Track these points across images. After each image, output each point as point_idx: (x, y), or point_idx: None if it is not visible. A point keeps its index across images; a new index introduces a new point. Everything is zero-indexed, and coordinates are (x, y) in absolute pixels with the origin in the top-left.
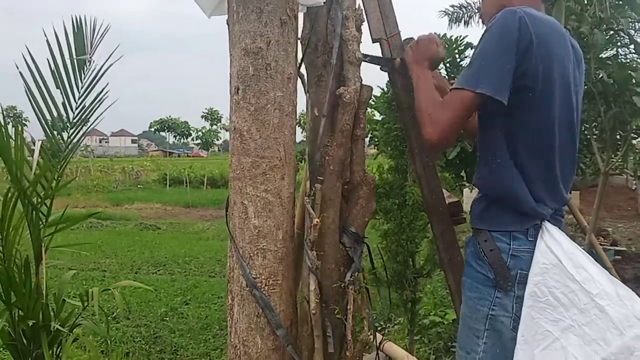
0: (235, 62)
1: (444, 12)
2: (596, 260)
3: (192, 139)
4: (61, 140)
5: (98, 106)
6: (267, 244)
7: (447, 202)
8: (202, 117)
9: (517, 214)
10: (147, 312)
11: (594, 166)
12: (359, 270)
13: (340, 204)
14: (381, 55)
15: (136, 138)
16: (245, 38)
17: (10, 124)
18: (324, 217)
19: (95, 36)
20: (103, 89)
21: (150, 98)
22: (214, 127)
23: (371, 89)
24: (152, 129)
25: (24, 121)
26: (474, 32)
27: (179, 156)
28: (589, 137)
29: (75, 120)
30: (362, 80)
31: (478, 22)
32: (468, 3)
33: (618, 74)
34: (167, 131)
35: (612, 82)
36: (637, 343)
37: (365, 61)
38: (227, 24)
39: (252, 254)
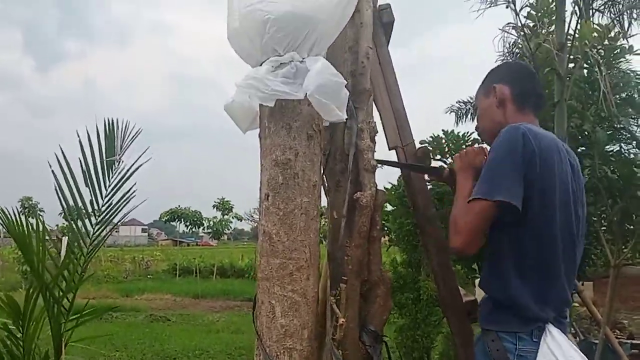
0: (265, 171)
1: (450, 109)
2: (612, 355)
3: (203, 229)
4: (86, 236)
5: (125, 204)
6: (293, 343)
7: (464, 300)
8: (213, 206)
9: (521, 318)
10: None
11: (605, 258)
12: None
13: (359, 302)
14: (397, 161)
15: (146, 227)
16: (275, 150)
17: (28, 216)
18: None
19: (125, 138)
20: (131, 188)
21: (161, 187)
22: (225, 216)
23: (385, 193)
24: (163, 219)
25: (39, 211)
26: None
27: (188, 245)
28: (597, 229)
29: (101, 218)
30: (376, 186)
31: None
32: (471, 98)
33: (622, 169)
34: (178, 221)
35: (616, 177)
36: None
37: (414, 170)
38: (259, 137)
39: (278, 353)
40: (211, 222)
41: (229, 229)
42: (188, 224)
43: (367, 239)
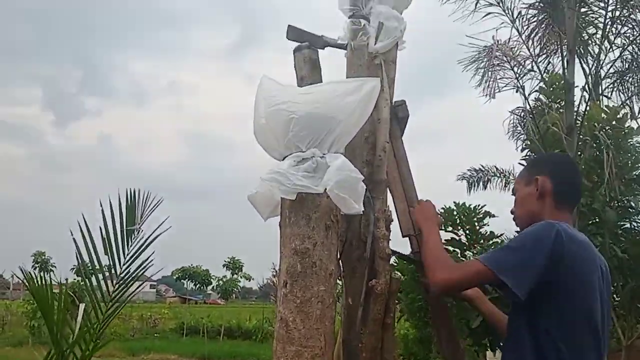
0: (285, 259)
1: (462, 176)
2: None
3: (212, 288)
4: (103, 303)
5: (142, 273)
6: None
7: None
8: (223, 265)
9: None
10: None
11: (616, 336)
12: None
13: None
14: (410, 250)
15: (155, 283)
16: (295, 240)
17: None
18: None
19: (146, 208)
20: (148, 257)
21: (170, 244)
22: (234, 275)
23: (399, 281)
24: (174, 277)
25: (51, 266)
26: (492, 196)
27: (196, 303)
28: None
29: (118, 286)
30: (391, 273)
31: (496, 185)
32: (483, 167)
33: (632, 250)
34: (188, 279)
35: (627, 257)
36: None
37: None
38: (279, 225)
39: None
40: (220, 282)
41: (237, 288)
42: (197, 282)
43: (382, 326)
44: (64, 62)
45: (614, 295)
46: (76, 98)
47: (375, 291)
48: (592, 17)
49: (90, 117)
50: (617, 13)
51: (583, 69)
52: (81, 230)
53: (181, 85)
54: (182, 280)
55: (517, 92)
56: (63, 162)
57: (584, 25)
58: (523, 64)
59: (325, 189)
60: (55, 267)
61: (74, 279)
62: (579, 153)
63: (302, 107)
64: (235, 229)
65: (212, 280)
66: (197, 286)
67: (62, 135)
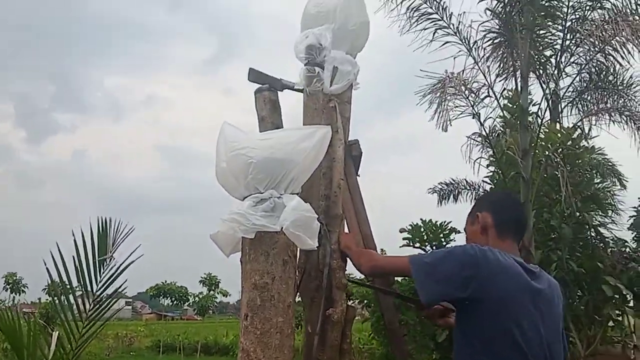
0: (245, 293)
1: (433, 189)
2: None
3: (189, 304)
4: (77, 330)
5: (114, 302)
6: None
7: None
8: (200, 282)
9: None
10: None
11: (576, 347)
12: None
13: None
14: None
15: (130, 300)
16: (254, 275)
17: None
18: None
19: (117, 236)
20: (121, 285)
21: (145, 259)
22: (212, 292)
23: (355, 309)
24: (149, 294)
25: (22, 287)
26: (463, 208)
27: (172, 319)
28: (567, 321)
29: (90, 313)
30: (347, 302)
31: (466, 199)
32: (454, 180)
33: (587, 263)
34: (164, 297)
35: (583, 271)
36: None
37: (388, 294)
38: (240, 261)
39: None
40: (196, 298)
41: (214, 304)
42: (174, 299)
43: (340, 352)
44: (38, 77)
45: (572, 308)
46: (49, 114)
47: (332, 319)
48: (550, 40)
49: (64, 133)
50: (574, 35)
51: (543, 89)
52: (54, 259)
53: (157, 99)
54: (158, 298)
55: (473, 118)
56: (35, 178)
57: (541, 47)
58: (478, 92)
59: (282, 227)
60: (27, 287)
61: (46, 299)
62: (539, 172)
63: (260, 152)
64: (212, 242)
65: (189, 297)
66: (174, 302)
67: (36, 152)
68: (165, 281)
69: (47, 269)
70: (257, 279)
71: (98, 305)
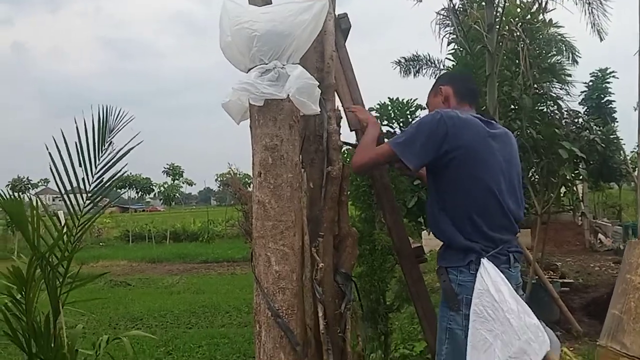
0: (257, 154)
1: (396, 62)
2: (543, 291)
3: (154, 195)
4: (79, 210)
5: (113, 183)
6: (286, 284)
7: (412, 247)
8: (163, 172)
9: (458, 252)
10: None
11: (534, 208)
12: (351, 300)
13: (333, 252)
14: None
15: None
16: (265, 138)
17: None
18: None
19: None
20: (121, 169)
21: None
22: (176, 181)
23: (350, 167)
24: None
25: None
26: (423, 83)
27: (136, 212)
28: (526, 183)
29: (92, 194)
30: (343, 161)
31: (425, 74)
32: (417, 56)
33: (545, 130)
34: (128, 188)
35: (541, 137)
36: (527, 346)
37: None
38: (250, 127)
39: (274, 292)
40: (162, 188)
41: (178, 194)
42: (138, 190)
43: (337, 203)
44: None
45: (532, 172)
46: None
47: (332, 176)
48: None
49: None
50: None
51: None
52: (57, 147)
53: None
54: (121, 190)
55: None
56: None
57: None
58: None
59: (288, 95)
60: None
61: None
62: (501, 47)
63: (263, 25)
64: (170, 135)
65: (153, 187)
66: (139, 194)
67: None
68: (131, 173)
69: (49, 153)
70: (267, 141)
71: (98, 185)
